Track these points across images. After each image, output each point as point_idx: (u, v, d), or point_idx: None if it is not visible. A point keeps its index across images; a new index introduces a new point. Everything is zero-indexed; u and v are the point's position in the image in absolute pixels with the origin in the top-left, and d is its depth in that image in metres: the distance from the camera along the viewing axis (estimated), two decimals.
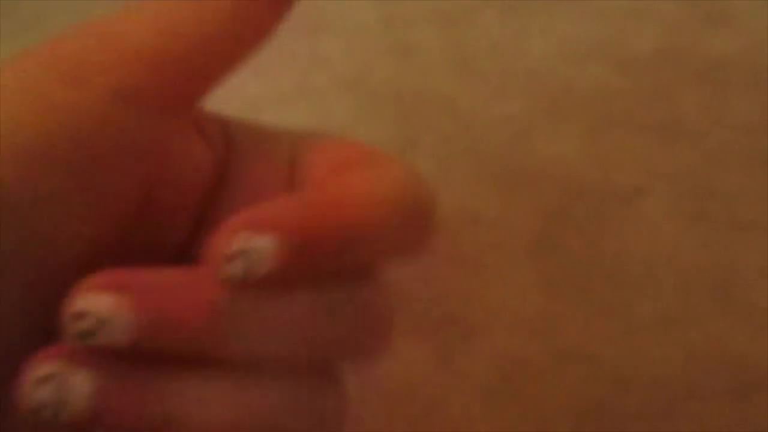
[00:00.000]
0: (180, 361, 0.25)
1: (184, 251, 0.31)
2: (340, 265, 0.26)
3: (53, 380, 0.23)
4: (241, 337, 0.24)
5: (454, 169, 1.27)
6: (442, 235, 1.16)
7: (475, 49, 1.47)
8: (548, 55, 1.41)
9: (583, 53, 1.40)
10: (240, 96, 1.54)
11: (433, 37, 1.50)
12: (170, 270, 0.25)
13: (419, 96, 1.39)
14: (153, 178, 0.29)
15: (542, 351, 1.01)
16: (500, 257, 1.13)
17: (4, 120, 0.25)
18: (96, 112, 0.27)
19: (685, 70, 1.32)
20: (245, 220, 0.24)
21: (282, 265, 0.23)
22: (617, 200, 1.18)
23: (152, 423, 0.24)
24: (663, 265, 1.07)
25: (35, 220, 0.25)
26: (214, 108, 1.46)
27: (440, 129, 1.34)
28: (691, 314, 1.01)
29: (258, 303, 0.25)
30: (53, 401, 0.23)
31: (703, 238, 1.09)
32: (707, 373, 0.94)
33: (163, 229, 0.31)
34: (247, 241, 0.23)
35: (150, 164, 0.28)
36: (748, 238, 1.07)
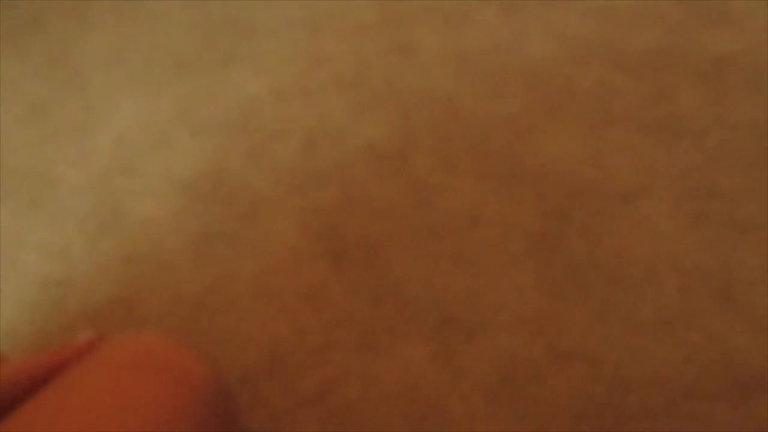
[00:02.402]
0: None
1: None
2: None
3: None
4: None
5: (454, 169, 1.27)
6: (442, 235, 1.16)
7: (475, 48, 1.46)
8: (548, 55, 1.41)
9: (584, 53, 1.40)
10: (240, 95, 1.54)
11: (433, 37, 1.50)
12: None
13: (419, 95, 1.39)
14: None
15: (542, 351, 1.01)
16: (500, 257, 1.13)
17: None
18: None
19: (685, 69, 1.32)
20: None
21: None
22: (617, 200, 1.18)
23: None
24: (663, 265, 1.07)
25: None
26: (217, 107, 1.45)
27: (440, 128, 1.34)
28: (692, 315, 1.01)
29: None
30: None
31: (704, 239, 1.09)
32: (707, 373, 0.94)
33: None
34: None
35: None
36: (748, 239, 1.07)
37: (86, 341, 0.68)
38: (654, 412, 0.92)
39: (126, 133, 1.43)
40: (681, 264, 1.05)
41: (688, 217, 1.11)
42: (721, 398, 0.91)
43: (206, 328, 1.09)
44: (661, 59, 1.35)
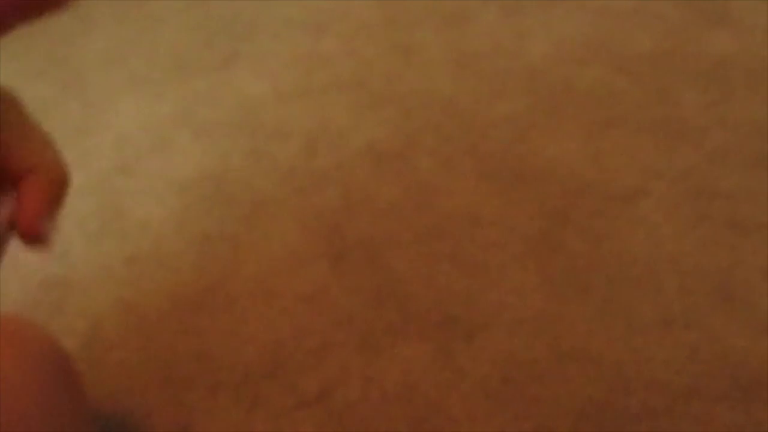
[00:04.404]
0: None
1: None
2: None
3: None
4: None
5: (455, 169, 1.27)
6: (442, 236, 1.16)
7: (475, 49, 1.47)
8: (548, 55, 1.41)
9: (583, 53, 1.40)
10: (241, 95, 1.54)
11: (434, 38, 1.50)
12: None
13: (419, 96, 1.39)
14: None
15: (543, 351, 1.01)
16: (501, 257, 1.13)
17: None
18: None
19: (685, 70, 1.32)
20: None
21: None
22: (617, 200, 1.18)
23: None
24: (664, 265, 1.07)
25: None
26: (217, 108, 1.45)
27: (440, 129, 1.34)
28: (692, 315, 1.01)
29: None
30: None
31: (704, 239, 1.09)
32: (708, 373, 0.94)
33: None
34: None
35: None
36: (749, 239, 1.07)
37: None
38: (654, 412, 0.91)
39: (126, 134, 1.43)
40: (681, 264, 1.05)
41: (689, 218, 1.11)
42: (721, 398, 0.91)
43: (207, 329, 1.09)
44: (661, 60, 1.35)
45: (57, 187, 0.44)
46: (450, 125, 1.32)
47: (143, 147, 1.39)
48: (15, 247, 1.27)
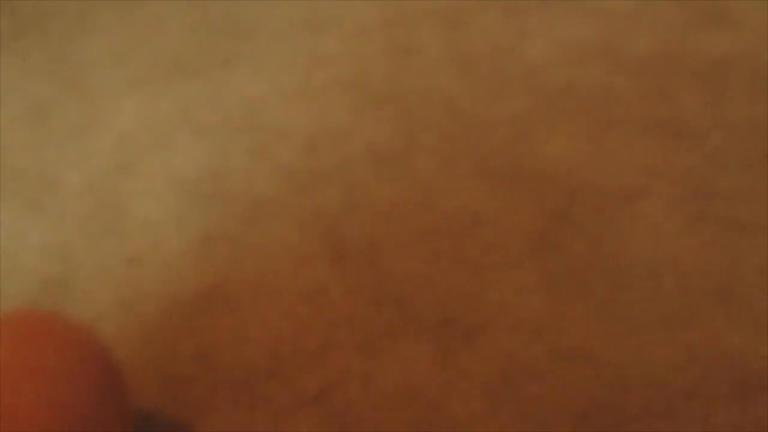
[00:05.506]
0: None
1: None
2: None
3: None
4: None
5: (455, 169, 1.27)
6: (442, 236, 1.16)
7: (475, 49, 1.47)
8: (548, 56, 1.42)
9: (583, 53, 1.40)
10: (242, 96, 1.54)
11: (434, 38, 1.51)
12: None
13: (419, 96, 1.39)
14: None
15: (543, 351, 1.01)
16: (501, 257, 1.13)
17: None
18: None
19: (685, 70, 1.33)
20: None
21: None
22: (617, 200, 1.18)
23: None
24: (663, 265, 1.07)
25: None
26: (218, 108, 1.45)
27: (440, 129, 1.34)
28: (692, 315, 1.01)
29: None
30: None
31: (704, 239, 1.09)
32: (708, 373, 0.94)
33: None
34: None
35: None
36: (748, 239, 1.07)
37: None
38: (654, 412, 0.92)
39: (127, 133, 1.43)
40: (681, 264, 1.05)
41: (688, 218, 1.11)
42: (721, 398, 0.91)
43: (207, 328, 1.09)
44: (661, 60, 1.35)
45: None
46: (450, 125, 1.32)
47: (144, 147, 1.39)
48: (15, 247, 1.28)
